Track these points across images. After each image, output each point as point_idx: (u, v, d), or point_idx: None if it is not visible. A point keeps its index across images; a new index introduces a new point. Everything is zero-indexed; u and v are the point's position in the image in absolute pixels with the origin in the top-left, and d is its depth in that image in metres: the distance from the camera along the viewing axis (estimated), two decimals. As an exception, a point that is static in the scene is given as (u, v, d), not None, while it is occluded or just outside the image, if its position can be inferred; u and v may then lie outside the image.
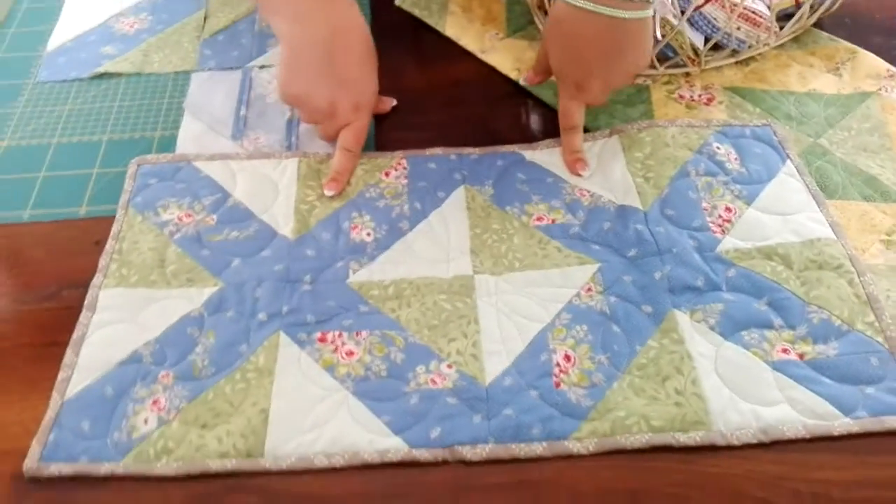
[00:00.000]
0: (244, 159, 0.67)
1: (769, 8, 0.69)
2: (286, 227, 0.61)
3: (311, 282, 0.58)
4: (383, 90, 0.72)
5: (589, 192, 0.63)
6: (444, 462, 0.49)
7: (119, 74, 0.78)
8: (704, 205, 0.61)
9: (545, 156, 0.66)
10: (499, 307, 0.56)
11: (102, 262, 0.60)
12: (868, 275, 0.56)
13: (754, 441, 0.49)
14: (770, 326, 0.54)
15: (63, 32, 0.83)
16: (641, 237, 0.59)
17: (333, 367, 0.53)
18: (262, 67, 0.77)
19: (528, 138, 0.69)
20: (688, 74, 0.73)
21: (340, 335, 0.55)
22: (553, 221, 0.61)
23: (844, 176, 0.64)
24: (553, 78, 0.69)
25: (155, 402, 0.51)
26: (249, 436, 0.49)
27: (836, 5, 0.76)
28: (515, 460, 0.49)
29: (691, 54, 0.70)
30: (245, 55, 0.79)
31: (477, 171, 0.65)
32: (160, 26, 0.84)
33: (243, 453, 0.49)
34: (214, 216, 0.62)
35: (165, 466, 0.48)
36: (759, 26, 0.70)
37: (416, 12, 0.83)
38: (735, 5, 0.66)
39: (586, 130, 0.68)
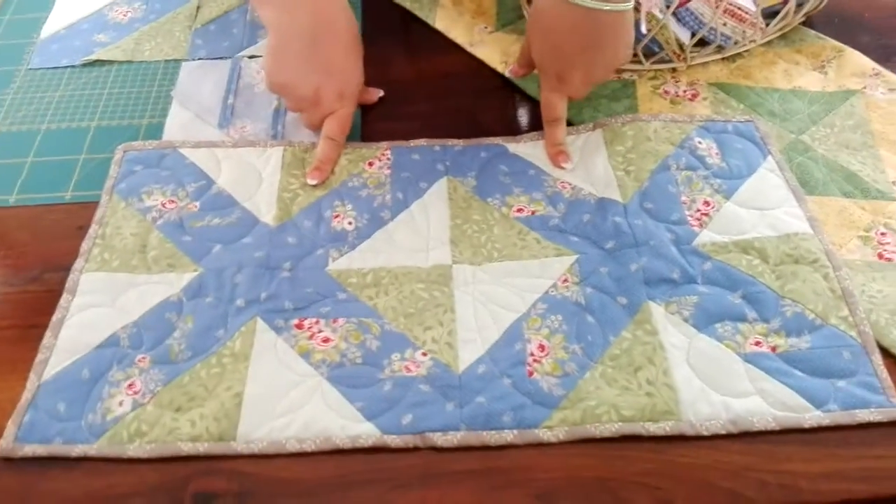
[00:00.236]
0: (230, 147, 0.67)
1: (756, 4, 0.69)
2: (268, 215, 0.62)
3: (290, 269, 0.58)
4: (371, 81, 0.73)
5: (570, 184, 0.63)
6: (416, 448, 0.50)
7: (110, 62, 0.78)
8: (683, 198, 0.61)
9: (528, 148, 0.67)
10: (475, 296, 0.56)
11: (85, 246, 0.60)
12: (844, 270, 0.56)
13: (723, 432, 0.49)
14: (744, 319, 0.54)
15: (57, 20, 0.84)
16: (619, 229, 0.59)
17: (309, 354, 0.53)
18: (251, 57, 0.78)
19: (514, 131, 0.69)
20: (674, 70, 0.73)
21: (317, 322, 0.55)
22: (533, 213, 0.62)
23: (825, 172, 0.64)
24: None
25: (130, 386, 0.52)
26: (222, 419, 0.50)
27: (823, 3, 0.76)
28: (486, 447, 0.49)
29: (677, 49, 0.71)
30: (235, 45, 0.80)
31: (460, 163, 0.65)
32: (153, 15, 0.84)
33: (216, 437, 0.49)
34: (197, 203, 0.63)
35: (138, 449, 0.49)
36: (744, 22, 0.70)
37: (407, 4, 0.83)
38: (720, 1, 0.66)
39: (570, 124, 0.69)
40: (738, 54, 0.74)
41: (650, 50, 0.71)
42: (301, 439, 0.49)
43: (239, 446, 0.49)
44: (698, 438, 0.49)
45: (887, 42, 0.77)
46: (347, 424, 0.50)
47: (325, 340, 0.54)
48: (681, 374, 0.51)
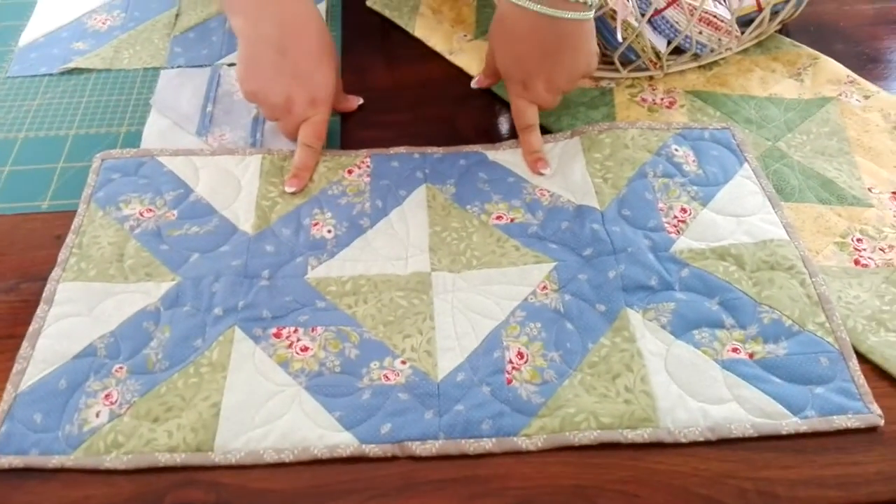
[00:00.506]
0: (208, 155, 0.67)
1: (731, 12, 0.70)
2: (246, 223, 0.62)
3: (268, 277, 0.58)
4: (351, 89, 0.73)
5: (549, 191, 0.64)
6: (395, 457, 0.49)
7: (89, 70, 0.78)
8: (660, 205, 0.62)
9: (507, 156, 0.67)
10: (454, 304, 0.56)
11: (62, 255, 0.60)
12: (820, 276, 0.57)
13: (701, 439, 0.49)
14: (721, 326, 0.55)
15: (36, 28, 0.83)
16: (597, 236, 0.60)
17: (287, 363, 0.53)
18: (230, 65, 0.77)
19: (494, 139, 0.69)
20: (651, 78, 0.74)
21: (296, 331, 0.55)
22: (512, 220, 0.62)
23: (801, 179, 0.65)
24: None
25: (107, 396, 0.51)
26: (200, 430, 0.50)
27: (798, 11, 0.77)
28: (465, 456, 0.49)
29: (653, 58, 0.71)
30: (214, 53, 0.79)
31: (439, 170, 0.66)
32: (132, 23, 0.84)
33: (193, 447, 0.49)
34: (175, 211, 0.63)
35: (115, 460, 0.49)
36: (719, 30, 0.71)
37: (387, 13, 0.83)
38: (695, 9, 0.67)
39: (549, 132, 0.69)
40: (715, 62, 0.75)
41: (627, 58, 0.72)
42: (279, 450, 0.49)
43: (216, 457, 0.49)
44: (676, 445, 0.50)
45: (862, 50, 0.78)
46: (325, 434, 0.50)
47: (304, 349, 0.54)
48: (659, 381, 0.52)
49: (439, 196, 0.64)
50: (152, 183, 0.65)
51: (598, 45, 0.70)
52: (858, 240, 0.60)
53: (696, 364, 0.53)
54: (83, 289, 0.57)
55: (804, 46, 0.77)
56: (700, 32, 0.70)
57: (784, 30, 0.79)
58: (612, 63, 0.72)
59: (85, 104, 0.74)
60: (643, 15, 0.67)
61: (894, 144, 0.67)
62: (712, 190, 0.63)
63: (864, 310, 0.56)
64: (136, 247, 0.60)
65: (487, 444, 0.49)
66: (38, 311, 0.56)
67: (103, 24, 0.84)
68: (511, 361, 0.53)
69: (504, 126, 0.72)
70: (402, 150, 0.68)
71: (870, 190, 0.64)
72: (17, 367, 0.53)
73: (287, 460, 0.49)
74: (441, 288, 0.57)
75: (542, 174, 0.65)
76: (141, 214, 0.62)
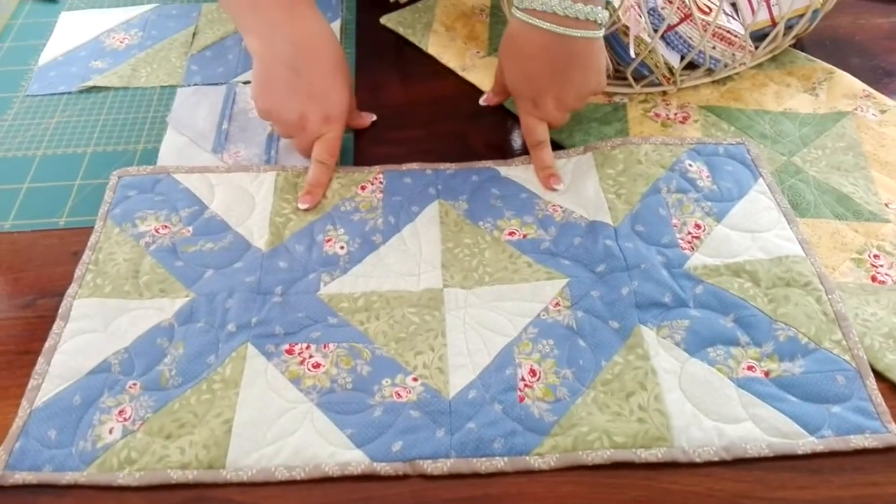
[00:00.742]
0: (223, 172, 0.68)
1: (744, 27, 0.70)
2: (260, 240, 0.62)
3: (281, 293, 0.58)
4: (364, 105, 0.74)
5: (561, 207, 0.64)
6: (406, 476, 0.49)
7: (107, 88, 0.79)
8: (674, 221, 0.61)
9: (520, 172, 0.67)
10: (466, 321, 0.56)
11: (78, 272, 0.60)
12: (836, 292, 0.56)
13: (716, 459, 0.49)
14: (736, 343, 0.54)
15: (55, 47, 0.85)
16: (610, 252, 0.59)
17: (299, 379, 0.53)
18: (245, 83, 0.78)
19: (506, 155, 0.70)
20: (664, 93, 0.73)
21: (308, 347, 0.55)
22: (525, 236, 0.62)
23: (817, 194, 0.64)
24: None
25: (121, 412, 0.52)
26: (212, 447, 0.50)
27: (813, 26, 0.77)
28: (476, 475, 0.49)
29: (666, 73, 0.71)
30: (230, 71, 0.80)
31: (451, 186, 0.66)
32: (150, 42, 0.85)
33: (205, 465, 0.49)
34: (190, 228, 0.63)
35: (128, 476, 0.49)
36: (733, 45, 0.70)
37: (401, 30, 0.84)
38: (708, 24, 0.67)
39: (561, 147, 0.69)
40: (729, 77, 0.75)
41: (640, 73, 0.72)
42: (290, 467, 0.49)
43: (228, 474, 0.49)
44: (691, 465, 0.49)
45: (878, 64, 0.77)
46: (337, 451, 0.50)
47: (316, 366, 0.54)
48: (673, 400, 0.51)
49: (452, 212, 0.64)
50: (168, 200, 0.65)
51: (611, 60, 0.71)
52: (875, 256, 0.60)
53: (711, 382, 0.52)
54: (99, 305, 0.58)
55: (819, 61, 0.76)
56: (713, 48, 0.70)
57: (799, 44, 0.79)
58: (625, 78, 0.72)
59: (102, 122, 0.75)
60: (656, 31, 0.67)
61: (911, 159, 0.66)
62: (727, 205, 0.62)
63: (882, 327, 0.55)
64: (152, 263, 0.60)
65: (499, 464, 0.49)
66: (54, 328, 0.57)
67: (121, 42, 0.85)
68: (523, 379, 0.53)
69: (516, 142, 0.72)
70: (414, 166, 0.68)
71: (886, 205, 0.63)
72: (32, 383, 0.53)
73: (298, 478, 0.49)
74: (453, 304, 0.57)
75: (554, 190, 0.65)
76: (156, 231, 0.63)
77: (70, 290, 0.59)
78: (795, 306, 0.55)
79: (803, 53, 0.77)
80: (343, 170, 0.68)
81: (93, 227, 0.64)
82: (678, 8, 0.67)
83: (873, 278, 0.58)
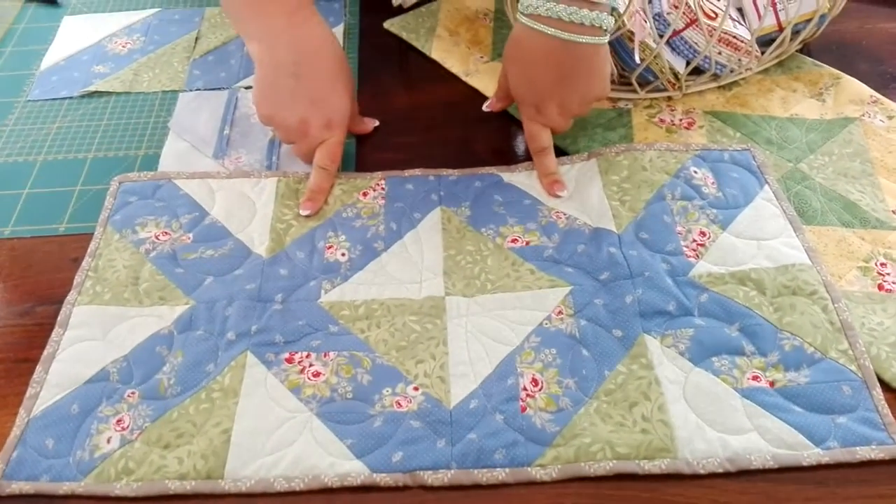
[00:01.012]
0: (224, 178, 0.67)
1: (750, 32, 0.69)
2: (261, 247, 0.62)
3: (282, 301, 0.58)
4: (367, 111, 0.73)
5: (565, 214, 0.63)
6: (406, 487, 0.49)
7: (108, 93, 0.79)
8: (679, 228, 0.61)
9: (523, 178, 0.66)
10: (468, 329, 0.56)
11: (77, 278, 0.60)
12: (843, 301, 0.56)
13: (720, 470, 0.48)
14: (741, 353, 0.53)
15: (57, 52, 0.84)
16: (614, 260, 0.59)
17: (299, 389, 0.53)
18: (247, 88, 0.78)
19: (509, 161, 0.69)
20: (669, 99, 0.73)
21: (308, 356, 0.54)
22: (527, 244, 0.61)
23: (824, 201, 0.63)
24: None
25: (119, 422, 0.51)
26: (210, 457, 0.49)
27: (820, 31, 0.76)
28: (478, 486, 0.48)
29: (672, 78, 0.70)
30: (232, 76, 0.80)
31: (454, 193, 0.65)
32: (152, 47, 0.85)
33: (203, 475, 0.49)
34: (191, 234, 0.63)
35: (125, 487, 0.48)
36: (739, 50, 0.70)
37: (404, 35, 0.83)
38: (714, 29, 0.66)
39: (565, 153, 0.68)
40: (735, 82, 0.74)
41: (645, 79, 0.71)
42: (289, 478, 0.48)
43: (226, 485, 0.48)
44: (695, 477, 0.48)
45: (885, 69, 0.77)
46: (336, 462, 0.49)
47: (316, 375, 0.53)
48: (677, 410, 0.50)
49: (454, 219, 0.63)
50: (168, 206, 0.65)
51: (616, 65, 0.70)
52: (882, 264, 0.59)
53: (716, 392, 0.51)
54: (98, 312, 0.57)
55: (826, 66, 0.76)
56: (719, 53, 0.69)
57: (805, 49, 0.78)
58: (630, 84, 0.71)
59: (104, 127, 0.75)
60: (661, 36, 0.66)
61: (919, 166, 0.66)
62: (732, 213, 0.62)
63: (888, 337, 0.54)
64: (152, 270, 0.60)
65: (501, 475, 0.48)
66: (53, 335, 0.56)
67: (124, 47, 0.85)
68: (525, 388, 0.52)
69: (520, 148, 0.71)
70: (417, 172, 0.67)
71: (894, 213, 0.62)
72: (30, 392, 0.53)
73: (297, 489, 0.48)
74: (455, 312, 0.57)
75: (558, 196, 0.64)
76: (157, 237, 0.62)
77: (69, 297, 0.59)
78: (801, 315, 0.55)
79: (810, 59, 0.77)
80: (345, 176, 0.67)
81: (93, 234, 0.63)
82: (684, 13, 0.66)
83: (880, 287, 0.57)
